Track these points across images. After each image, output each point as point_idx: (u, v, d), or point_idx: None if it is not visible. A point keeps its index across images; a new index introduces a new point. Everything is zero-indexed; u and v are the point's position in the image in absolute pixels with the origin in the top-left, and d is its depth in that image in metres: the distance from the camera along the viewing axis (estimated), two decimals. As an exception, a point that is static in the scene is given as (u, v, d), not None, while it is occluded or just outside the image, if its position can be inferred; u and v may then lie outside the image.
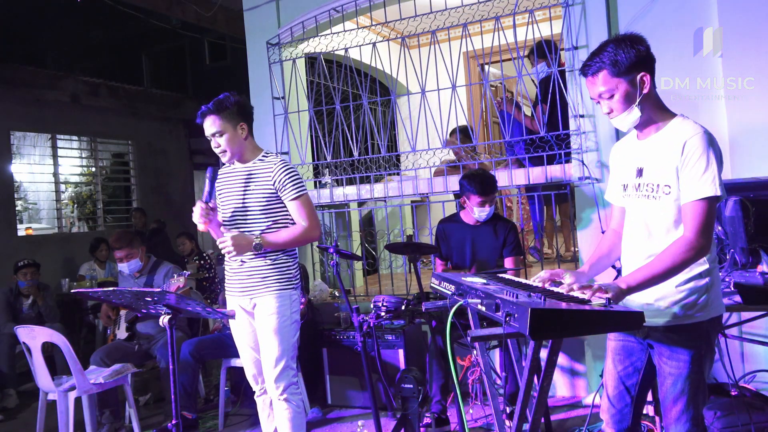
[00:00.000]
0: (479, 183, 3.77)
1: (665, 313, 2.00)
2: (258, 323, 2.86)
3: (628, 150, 2.18)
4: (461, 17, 4.91)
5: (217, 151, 2.85)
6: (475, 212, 3.86)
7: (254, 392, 3.05)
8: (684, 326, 1.99)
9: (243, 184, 2.88)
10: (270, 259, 2.83)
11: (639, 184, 2.08)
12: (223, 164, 2.98)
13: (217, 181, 2.92)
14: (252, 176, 2.87)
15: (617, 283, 1.89)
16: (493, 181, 3.84)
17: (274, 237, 2.80)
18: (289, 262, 2.88)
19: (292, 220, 2.88)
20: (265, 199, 2.84)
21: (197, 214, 2.78)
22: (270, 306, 2.81)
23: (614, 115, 2.03)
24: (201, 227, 2.83)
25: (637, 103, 1.99)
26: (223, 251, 2.79)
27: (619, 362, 2.16)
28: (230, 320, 2.99)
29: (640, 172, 2.08)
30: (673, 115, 2.05)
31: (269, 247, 2.79)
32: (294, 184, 2.83)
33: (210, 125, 2.80)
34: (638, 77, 1.97)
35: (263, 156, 2.92)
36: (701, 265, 1.98)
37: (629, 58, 1.95)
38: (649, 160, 2.05)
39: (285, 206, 2.87)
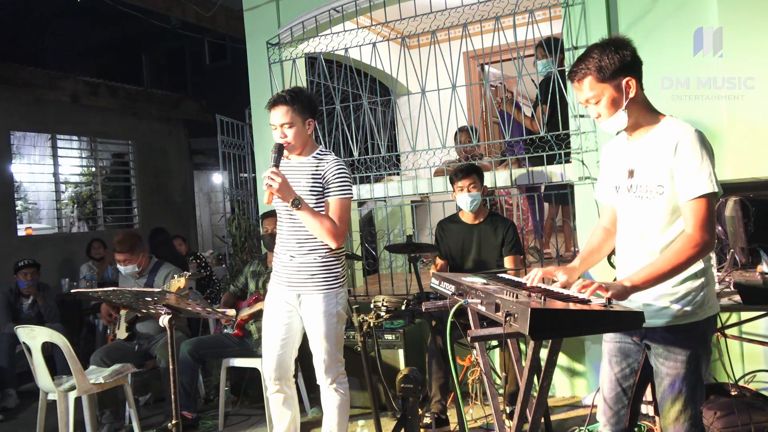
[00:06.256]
0: (454, 171, 4.00)
1: (662, 314, 2.00)
2: (305, 319, 2.94)
3: (618, 151, 2.18)
4: (461, 17, 4.90)
5: (280, 140, 2.84)
6: (460, 201, 3.94)
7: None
8: (681, 326, 1.99)
9: (297, 178, 2.88)
10: (319, 258, 2.89)
11: (631, 186, 2.08)
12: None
13: None
14: (307, 171, 2.90)
15: (621, 282, 1.89)
16: (470, 166, 3.99)
17: (310, 210, 2.80)
18: (335, 262, 2.94)
19: None
20: (316, 195, 2.87)
21: (276, 181, 2.71)
22: (317, 304, 2.89)
23: (602, 119, 2.05)
24: (268, 199, 2.78)
25: (623, 107, 2.00)
26: (266, 181, 2.74)
27: (616, 364, 2.16)
28: (265, 311, 3.06)
29: (631, 174, 2.08)
30: (661, 116, 2.06)
31: (301, 213, 2.78)
32: (341, 183, 2.87)
33: (282, 115, 2.82)
34: (624, 82, 1.98)
35: (320, 152, 2.95)
36: (696, 265, 1.98)
37: (614, 64, 1.96)
38: (640, 162, 2.06)
39: None
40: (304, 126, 2.86)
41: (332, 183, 2.86)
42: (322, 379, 2.97)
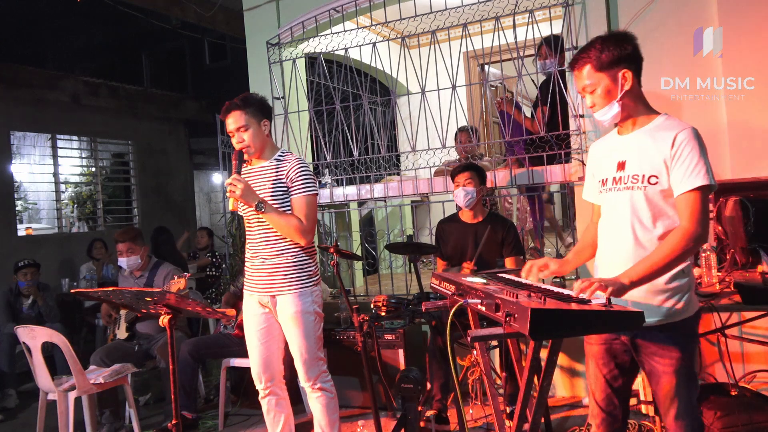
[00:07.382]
0: (454, 168, 4.08)
1: (656, 312, 2.01)
2: (282, 321, 2.94)
3: (608, 146, 2.21)
4: (461, 17, 4.90)
5: (239, 146, 2.89)
6: (456, 197, 3.99)
7: (257, 392, 3.08)
8: (675, 324, 2.02)
9: (261, 182, 2.93)
10: (291, 257, 2.90)
11: (620, 177, 2.10)
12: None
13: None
14: (270, 174, 2.93)
15: (619, 279, 1.89)
16: (468, 163, 4.12)
17: (275, 211, 2.82)
18: (308, 260, 2.95)
19: None
20: (281, 197, 2.89)
21: (239, 187, 2.74)
22: (292, 304, 2.89)
23: (596, 109, 2.10)
24: (232, 205, 2.81)
25: (617, 99, 2.04)
26: (228, 188, 2.77)
27: (604, 365, 2.18)
28: (243, 317, 3.07)
29: (621, 166, 2.10)
30: (656, 113, 2.10)
31: (267, 215, 2.82)
32: (305, 181, 2.89)
33: (236, 120, 2.87)
34: (620, 74, 2.03)
35: (281, 154, 2.98)
36: (684, 263, 2.02)
37: (613, 55, 2.02)
38: (633, 153, 2.08)
39: None
40: (260, 127, 2.90)
41: (296, 181, 2.88)
42: (304, 380, 2.97)
